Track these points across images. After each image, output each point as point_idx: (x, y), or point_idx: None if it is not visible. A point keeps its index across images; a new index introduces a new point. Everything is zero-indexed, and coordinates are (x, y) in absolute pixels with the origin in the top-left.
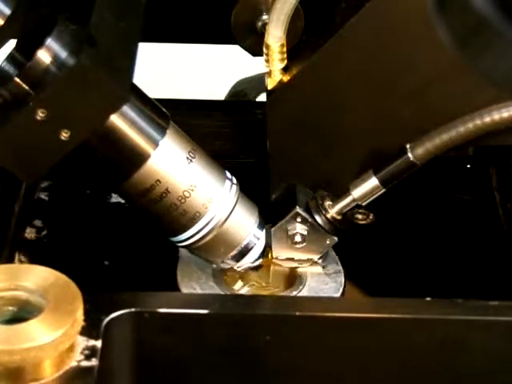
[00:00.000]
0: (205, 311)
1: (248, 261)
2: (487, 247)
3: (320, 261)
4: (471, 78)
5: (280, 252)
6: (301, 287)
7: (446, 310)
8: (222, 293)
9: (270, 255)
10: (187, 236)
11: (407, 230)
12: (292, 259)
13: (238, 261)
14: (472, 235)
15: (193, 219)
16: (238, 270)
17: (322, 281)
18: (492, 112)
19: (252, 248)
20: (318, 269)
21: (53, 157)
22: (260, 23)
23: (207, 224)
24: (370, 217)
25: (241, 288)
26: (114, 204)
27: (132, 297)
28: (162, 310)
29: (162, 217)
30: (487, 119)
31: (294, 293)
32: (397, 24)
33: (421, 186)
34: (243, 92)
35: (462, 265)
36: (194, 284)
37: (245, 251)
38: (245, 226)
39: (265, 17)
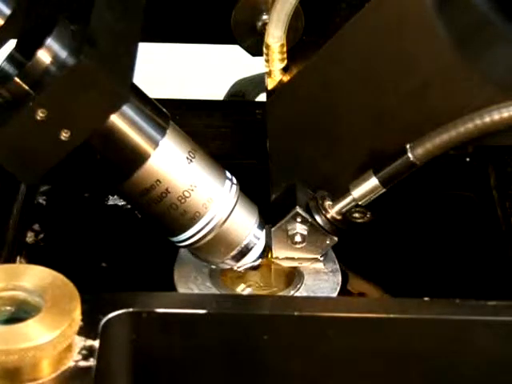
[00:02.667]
0: (202, 311)
1: (248, 261)
2: (485, 245)
3: (321, 259)
4: (471, 77)
5: (280, 252)
6: (298, 286)
7: (444, 309)
8: (218, 292)
9: (269, 255)
10: (187, 236)
11: (406, 227)
12: (292, 259)
13: (238, 261)
14: (470, 233)
15: (193, 219)
16: (237, 269)
17: (320, 279)
18: (492, 112)
19: (252, 248)
20: (319, 266)
21: (53, 157)
22: (260, 23)
23: (207, 224)
24: (368, 215)
25: (243, 290)
26: (111, 206)
27: (130, 297)
28: (159, 310)
29: (162, 217)
30: (487, 119)
31: (292, 292)
32: (397, 24)
33: (420, 184)
34: (242, 92)
35: (460, 263)
36: (190, 285)
37: (245, 251)
38: (245, 226)
39: (265, 17)
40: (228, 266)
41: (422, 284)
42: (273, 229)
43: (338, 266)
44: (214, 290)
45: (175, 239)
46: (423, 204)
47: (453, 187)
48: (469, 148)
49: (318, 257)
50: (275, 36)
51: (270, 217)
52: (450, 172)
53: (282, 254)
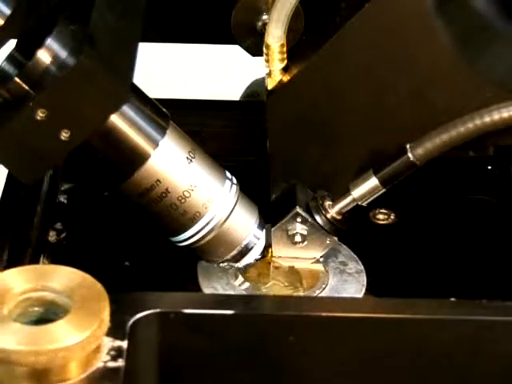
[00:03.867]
0: (230, 312)
1: (248, 261)
2: (508, 248)
3: (321, 259)
4: (471, 77)
5: (280, 252)
6: (323, 286)
7: (478, 310)
8: (245, 293)
9: (270, 255)
10: (187, 236)
11: (428, 230)
12: (292, 259)
13: (238, 261)
14: (492, 236)
15: (193, 219)
16: (263, 268)
17: (345, 280)
18: (492, 112)
19: (252, 248)
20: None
21: (53, 157)
22: (260, 23)
23: (207, 224)
24: (392, 217)
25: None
26: None
27: (157, 297)
28: (187, 311)
29: (161, 217)
30: (487, 119)
31: (317, 292)
32: (397, 24)
33: (441, 187)
34: (257, 93)
35: (483, 265)
36: (215, 284)
37: (245, 251)
38: (245, 226)
39: (265, 17)
40: (228, 266)
41: (445, 285)
42: (273, 229)
43: (362, 267)
44: (238, 290)
45: (175, 239)
46: (445, 206)
47: (474, 190)
48: (490, 151)
49: (318, 257)
50: (275, 36)
51: (270, 217)
52: (470, 174)
53: (282, 254)
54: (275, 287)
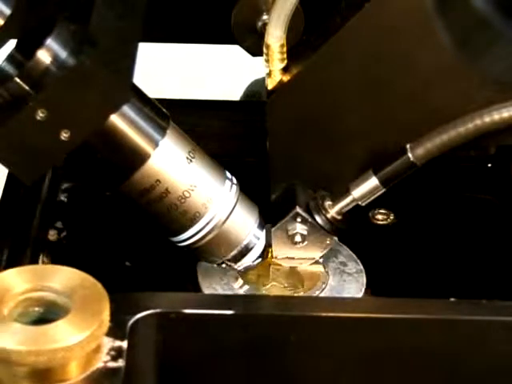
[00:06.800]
0: (230, 312)
1: (248, 261)
2: (508, 247)
3: (321, 260)
4: (471, 77)
5: (280, 252)
6: (323, 287)
7: (476, 310)
8: (245, 293)
9: (270, 255)
10: (187, 236)
11: (428, 229)
12: (292, 259)
13: (238, 261)
14: (493, 235)
15: (193, 219)
16: (267, 269)
17: (345, 280)
18: (492, 112)
19: (252, 248)
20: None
21: (53, 157)
22: (260, 23)
23: (207, 224)
24: (391, 217)
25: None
26: None
27: (158, 297)
28: (187, 311)
29: (161, 217)
30: (487, 119)
31: (317, 293)
32: (397, 24)
33: (442, 186)
34: (259, 93)
35: (483, 264)
36: (215, 285)
37: (245, 251)
38: (245, 225)
39: (265, 17)
40: (228, 266)
41: (445, 284)
42: (273, 229)
43: (361, 267)
44: (238, 291)
45: (175, 239)
46: (445, 205)
47: (474, 189)
48: (491, 150)
49: (318, 257)
50: (275, 36)
51: (270, 217)
52: (470, 173)
53: (282, 254)
54: (275, 288)
